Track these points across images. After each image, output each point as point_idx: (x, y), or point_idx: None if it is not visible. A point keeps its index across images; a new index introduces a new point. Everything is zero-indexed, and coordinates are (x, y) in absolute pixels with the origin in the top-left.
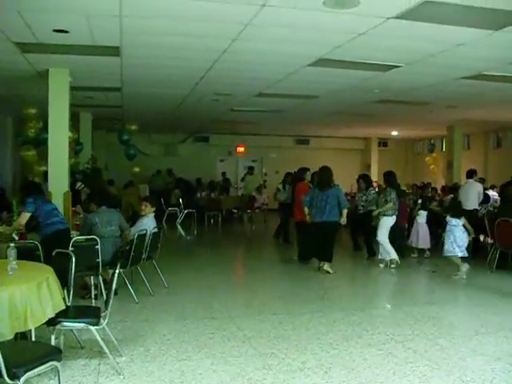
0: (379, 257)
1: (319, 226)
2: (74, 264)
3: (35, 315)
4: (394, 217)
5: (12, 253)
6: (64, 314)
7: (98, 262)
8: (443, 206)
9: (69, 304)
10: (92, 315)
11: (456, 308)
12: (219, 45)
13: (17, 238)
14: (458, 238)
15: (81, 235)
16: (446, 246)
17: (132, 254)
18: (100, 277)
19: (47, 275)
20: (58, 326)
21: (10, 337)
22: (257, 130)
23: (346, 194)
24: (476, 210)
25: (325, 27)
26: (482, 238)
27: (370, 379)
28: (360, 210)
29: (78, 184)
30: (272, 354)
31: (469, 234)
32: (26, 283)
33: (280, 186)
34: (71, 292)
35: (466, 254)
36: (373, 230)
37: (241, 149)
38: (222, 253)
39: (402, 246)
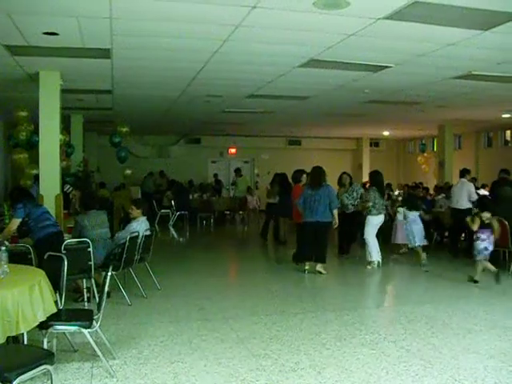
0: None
1: (311, 225)
2: (66, 267)
3: (27, 319)
4: (381, 216)
5: (3, 256)
6: (56, 317)
7: (91, 265)
8: (405, 201)
9: (61, 307)
10: (84, 318)
11: (449, 307)
12: (210, 46)
13: (7, 243)
14: (414, 229)
15: (73, 238)
16: (406, 237)
17: (124, 256)
18: (92, 279)
19: (39, 278)
20: (50, 330)
21: (2, 341)
22: (249, 131)
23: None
24: (470, 209)
25: (315, 28)
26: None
27: (363, 379)
28: (350, 209)
29: (67, 187)
30: (265, 355)
31: (425, 225)
32: (17, 287)
33: (269, 187)
34: (63, 295)
35: (425, 242)
36: (360, 228)
37: (233, 150)
38: (215, 254)
39: None
